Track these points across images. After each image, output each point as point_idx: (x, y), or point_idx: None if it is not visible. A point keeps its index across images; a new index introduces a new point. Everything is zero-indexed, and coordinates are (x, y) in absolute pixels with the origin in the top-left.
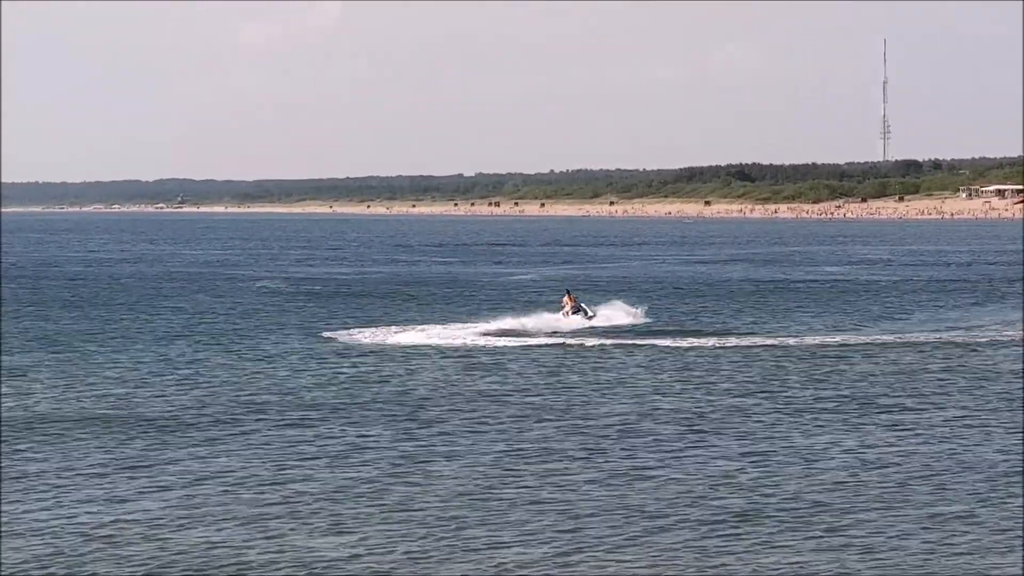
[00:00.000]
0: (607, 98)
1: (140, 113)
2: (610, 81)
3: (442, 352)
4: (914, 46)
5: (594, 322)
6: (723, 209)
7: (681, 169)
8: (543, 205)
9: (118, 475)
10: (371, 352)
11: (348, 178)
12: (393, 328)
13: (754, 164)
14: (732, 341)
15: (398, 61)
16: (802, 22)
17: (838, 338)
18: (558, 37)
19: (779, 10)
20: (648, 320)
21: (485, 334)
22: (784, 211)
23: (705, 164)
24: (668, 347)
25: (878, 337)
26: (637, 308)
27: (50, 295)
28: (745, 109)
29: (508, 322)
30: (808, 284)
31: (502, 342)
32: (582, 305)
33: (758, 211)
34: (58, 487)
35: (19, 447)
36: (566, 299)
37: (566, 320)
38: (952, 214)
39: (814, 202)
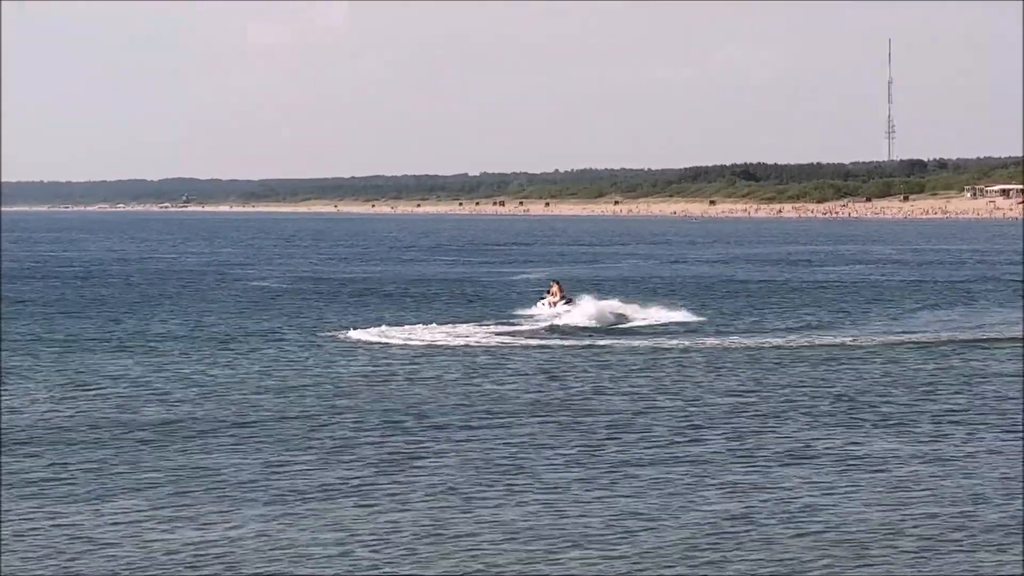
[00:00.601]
0: (611, 98)
1: (145, 112)
2: (615, 81)
3: (442, 351)
4: (919, 46)
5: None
6: (728, 209)
7: (686, 169)
8: (548, 205)
9: (112, 473)
10: (371, 351)
11: (353, 177)
12: (404, 327)
13: (759, 164)
14: (735, 341)
15: (403, 62)
16: (807, 22)
17: (842, 338)
18: (562, 37)
19: (783, 10)
20: (650, 319)
21: (494, 333)
22: (789, 210)
23: (710, 164)
24: (672, 346)
25: (881, 337)
26: (631, 305)
27: (70, 295)
28: (750, 109)
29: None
30: (814, 284)
31: (502, 340)
32: (571, 297)
33: (763, 211)
34: (52, 488)
35: (16, 450)
36: (554, 288)
37: (553, 311)
38: (957, 214)
39: (819, 201)
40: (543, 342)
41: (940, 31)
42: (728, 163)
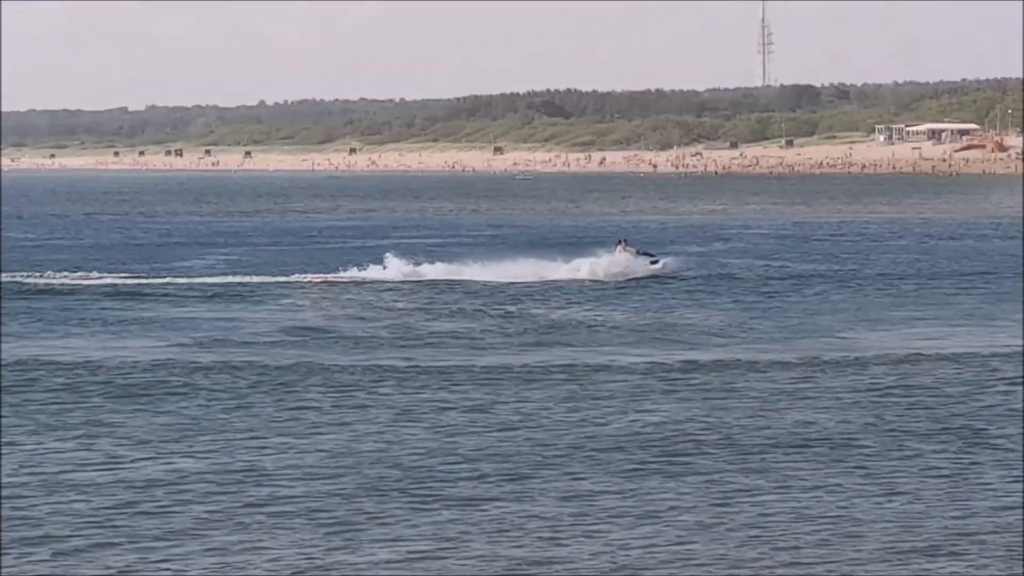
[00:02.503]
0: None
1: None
2: None
3: None
4: None
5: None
6: (522, 158)
7: (458, 99)
8: (248, 155)
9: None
10: None
11: None
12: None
13: (569, 91)
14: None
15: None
16: None
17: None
18: None
19: None
20: None
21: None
22: (617, 161)
23: (494, 92)
24: None
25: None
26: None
27: None
28: (557, 15)
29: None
30: None
31: None
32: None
33: (575, 162)
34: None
35: None
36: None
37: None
38: (864, 166)
39: (661, 148)
40: None
41: None
42: (522, 91)
